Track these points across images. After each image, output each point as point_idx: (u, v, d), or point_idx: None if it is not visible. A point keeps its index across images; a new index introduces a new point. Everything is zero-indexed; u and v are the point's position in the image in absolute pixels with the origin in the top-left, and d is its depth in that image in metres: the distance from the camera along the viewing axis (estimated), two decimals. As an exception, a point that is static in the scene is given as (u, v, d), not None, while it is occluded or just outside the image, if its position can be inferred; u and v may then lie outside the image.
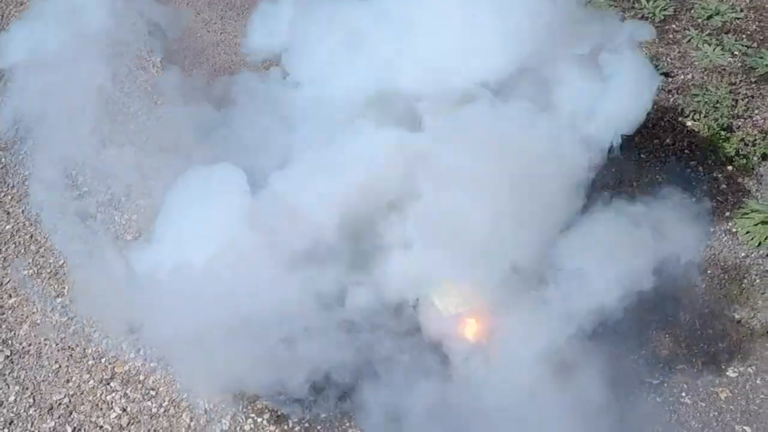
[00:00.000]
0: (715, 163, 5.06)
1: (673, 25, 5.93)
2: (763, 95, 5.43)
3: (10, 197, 5.46)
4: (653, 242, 3.80)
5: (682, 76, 5.58)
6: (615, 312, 3.70)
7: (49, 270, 5.04)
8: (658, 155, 5.14)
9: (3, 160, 5.60)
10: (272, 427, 4.19)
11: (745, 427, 4.00)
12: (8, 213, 5.38)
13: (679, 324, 4.38)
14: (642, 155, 5.12)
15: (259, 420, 4.22)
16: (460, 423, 3.83)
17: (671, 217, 3.96)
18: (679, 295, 4.40)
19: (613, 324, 3.87)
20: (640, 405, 4.06)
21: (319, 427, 4.15)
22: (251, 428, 4.19)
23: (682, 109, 5.32)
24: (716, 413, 4.05)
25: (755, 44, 5.73)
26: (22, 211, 5.36)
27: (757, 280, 4.52)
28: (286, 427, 4.18)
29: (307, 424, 4.16)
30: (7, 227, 5.30)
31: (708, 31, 5.81)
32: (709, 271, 4.57)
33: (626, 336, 4.11)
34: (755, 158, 5.03)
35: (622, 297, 3.67)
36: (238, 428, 4.20)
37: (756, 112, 5.27)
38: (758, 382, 4.16)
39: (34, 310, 4.85)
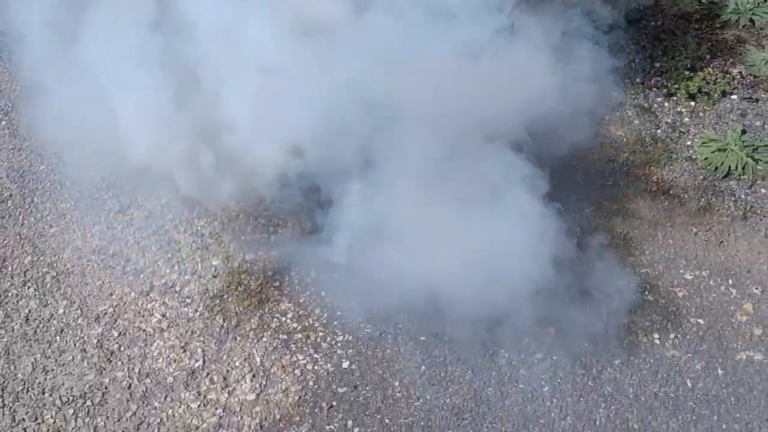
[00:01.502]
0: (680, 99, 6.01)
1: (648, -23, 6.85)
2: (726, 40, 6.37)
3: (41, 142, 6.34)
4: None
5: (653, 23, 6.52)
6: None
7: (85, 202, 5.95)
8: (629, 92, 6.09)
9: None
10: (295, 324, 5.15)
11: (699, 320, 5.01)
12: (41, 156, 6.27)
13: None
14: (613, 92, 6.07)
15: (283, 319, 5.19)
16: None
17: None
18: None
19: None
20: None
21: (335, 323, 5.12)
22: (277, 325, 5.15)
23: (651, 51, 6.26)
24: (674, 309, 5.05)
25: (722, -6, 6.68)
26: (54, 153, 6.25)
27: (713, 199, 5.50)
28: (306, 323, 5.15)
29: (325, 320, 5.14)
30: (41, 167, 6.20)
31: (679, -18, 6.76)
32: (671, 192, 5.55)
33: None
34: (716, 95, 5.97)
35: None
36: (265, 325, 5.16)
37: (718, 52, 6.22)
38: (711, 283, 5.15)
39: (75, 237, 5.76)
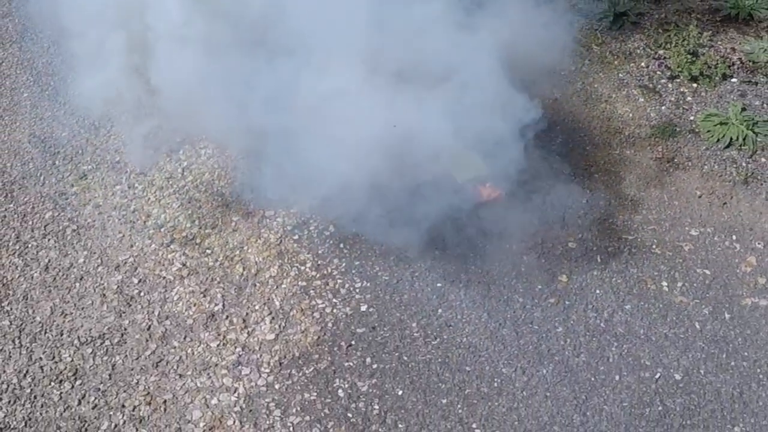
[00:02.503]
0: (683, 81, 6.51)
1: (651, -23, 7.46)
2: (726, 31, 6.93)
3: (63, 111, 6.74)
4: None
5: (657, 15, 7.09)
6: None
7: (106, 165, 6.31)
8: (634, 75, 6.59)
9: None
10: (313, 272, 5.47)
11: (705, 270, 5.39)
12: (63, 123, 6.65)
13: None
14: (620, 74, 6.59)
15: (302, 268, 5.51)
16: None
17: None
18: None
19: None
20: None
21: (353, 271, 5.45)
22: (296, 274, 5.47)
23: (655, 39, 6.80)
24: (681, 260, 5.43)
25: (722, -9, 7.27)
26: (76, 122, 6.65)
27: (716, 167, 5.94)
28: (325, 272, 5.47)
29: (343, 269, 5.46)
30: (63, 134, 6.57)
31: (681, -20, 7.37)
32: (676, 160, 5.99)
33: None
34: (717, 78, 6.48)
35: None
36: (284, 274, 5.47)
37: (719, 42, 6.76)
38: (715, 239, 5.54)
39: (96, 195, 6.10)
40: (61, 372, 5.11)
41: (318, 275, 5.47)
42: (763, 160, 5.95)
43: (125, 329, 5.28)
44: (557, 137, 6.13)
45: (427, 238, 5.43)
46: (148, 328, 5.28)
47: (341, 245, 5.61)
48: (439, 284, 5.35)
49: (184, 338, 5.23)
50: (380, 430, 4.74)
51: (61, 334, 5.28)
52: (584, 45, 6.87)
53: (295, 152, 5.50)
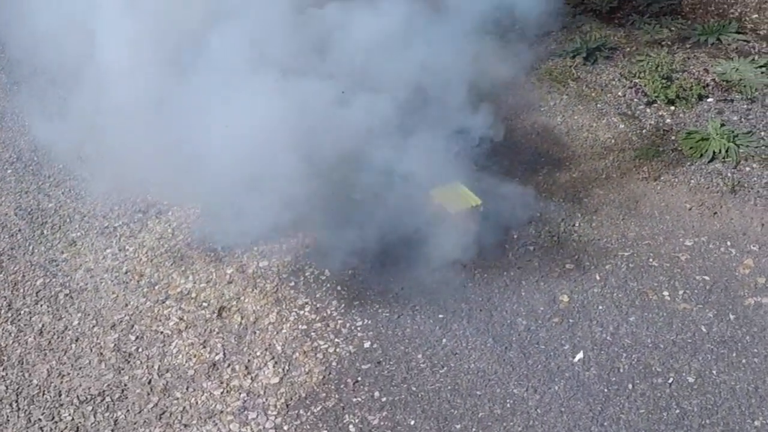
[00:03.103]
0: (660, 105, 6.79)
1: (618, 14, 7.86)
2: (697, 56, 7.28)
3: (48, 184, 6.88)
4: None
5: (628, 48, 7.44)
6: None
7: (95, 231, 6.41)
8: (611, 104, 6.88)
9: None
10: (313, 316, 5.53)
11: (704, 277, 5.52)
12: (49, 195, 6.77)
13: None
14: (598, 105, 6.87)
15: (301, 312, 5.56)
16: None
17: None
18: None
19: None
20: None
21: (353, 311, 5.51)
22: (295, 318, 5.52)
23: (629, 70, 7.12)
24: (679, 270, 5.56)
25: (689, 22, 7.65)
26: (62, 192, 6.78)
27: (702, 180, 6.15)
28: (324, 314, 5.52)
29: (343, 309, 5.52)
30: (50, 205, 6.69)
31: (648, 15, 7.75)
32: (662, 178, 6.20)
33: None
34: (693, 99, 6.77)
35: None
36: (283, 319, 5.52)
37: (691, 66, 7.10)
38: (710, 246, 5.69)
39: (87, 260, 6.17)
40: (62, 431, 5.08)
41: (318, 318, 5.52)
42: (747, 169, 6.17)
43: (125, 385, 5.27)
44: (542, 168, 6.34)
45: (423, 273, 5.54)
46: (149, 382, 5.28)
47: (339, 288, 5.69)
48: (440, 315, 5.43)
49: (187, 389, 5.22)
50: (395, 461, 4.73)
51: (60, 395, 5.25)
52: (560, 81, 7.17)
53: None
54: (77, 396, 5.23)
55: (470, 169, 5.81)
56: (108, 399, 5.20)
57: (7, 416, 5.11)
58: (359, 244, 5.59)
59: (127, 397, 5.20)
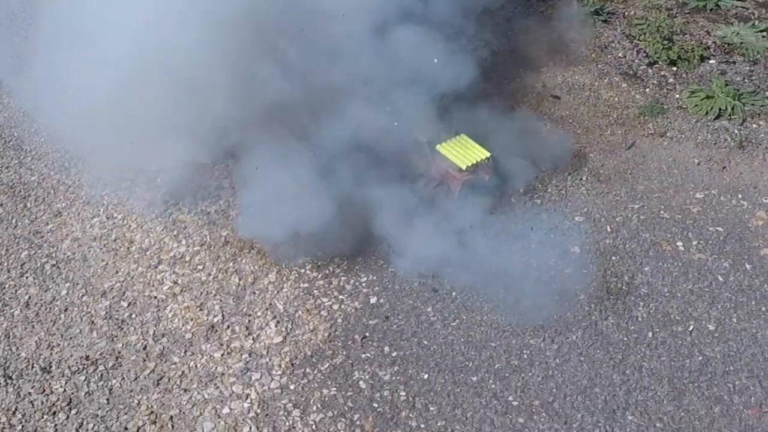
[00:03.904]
0: (662, 65, 6.80)
1: (616, -19, 7.90)
2: (696, 21, 7.31)
3: (30, 158, 6.70)
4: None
5: (626, 13, 7.46)
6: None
7: (81, 201, 6.24)
8: (612, 65, 6.87)
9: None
10: (315, 273, 5.41)
11: (718, 228, 5.48)
12: (31, 168, 6.60)
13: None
14: (599, 65, 6.85)
15: (302, 270, 5.44)
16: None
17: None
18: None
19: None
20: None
21: (357, 267, 5.40)
22: (296, 277, 5.40)
23: (629, 32, 7.13)
24: (692, 221, 5.52)
25: (688, -12, 7.71)
26: (45, 165, 6.60)
27: (709, 136, 6.14)
28: (327, 271, 5.41)
29: (346, 266, 5.41)
30: (32, 179, 6.51)
31: (647, -19, 7.81)
32: (668, 134, 6.18)
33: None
34: (695, 60, 6.78)
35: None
36: (284, 278, 5.40)
37: (692, 29, 7.12)
38: (722, 199, 5.68)
39: (74, 229, 6.00)
40: (53, 404, 4.88)
41: (320, 275, 5.41)
42: (754, 126, 6.19)
43: (119, 352, 5.10)
44: (545, 125, 6.31)
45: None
46: (144, 348, 5.11)
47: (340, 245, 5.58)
48: (449, 269, 5.33)
49: (185, 353, 5.07)
50: (411, 415, 4.60)
51: (50, 366, 5.08)
52: (559, 43, 7.16)
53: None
54: (68, 366, 5.05)
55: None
56: (102, 367, 5.03)
57: (-5, 389, 4.93)
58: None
59: (121, 365, 5.04)
